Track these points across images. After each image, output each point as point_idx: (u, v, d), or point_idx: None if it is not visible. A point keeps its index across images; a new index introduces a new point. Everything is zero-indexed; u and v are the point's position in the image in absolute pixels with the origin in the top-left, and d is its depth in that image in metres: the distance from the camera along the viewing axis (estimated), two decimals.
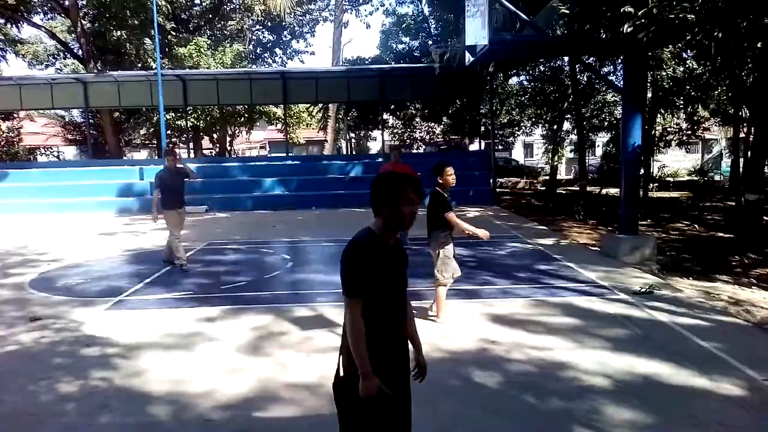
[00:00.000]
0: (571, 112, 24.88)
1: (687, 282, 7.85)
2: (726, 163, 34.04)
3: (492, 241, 10.43)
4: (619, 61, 16.95)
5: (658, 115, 21.38)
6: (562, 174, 37.63)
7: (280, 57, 35.62)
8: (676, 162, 35.17)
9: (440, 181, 5.63)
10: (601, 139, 33.14)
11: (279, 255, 9.96)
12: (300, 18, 34.16)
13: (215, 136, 34.28)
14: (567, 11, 9.47)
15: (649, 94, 18.20)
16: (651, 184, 22.09)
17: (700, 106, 21.60)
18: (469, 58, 9.60)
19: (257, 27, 33.61)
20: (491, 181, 19.96)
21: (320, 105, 31.84)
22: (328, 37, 62.87)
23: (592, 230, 12.83)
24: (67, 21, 26.19)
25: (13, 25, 26.08)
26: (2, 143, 31.93)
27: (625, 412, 3.75)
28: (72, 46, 28.49)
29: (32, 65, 31.62)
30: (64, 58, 31.08)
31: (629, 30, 8.07)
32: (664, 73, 18.92)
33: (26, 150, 36.15)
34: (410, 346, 2.58)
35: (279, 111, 30.58)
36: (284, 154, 24.62)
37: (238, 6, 31.18)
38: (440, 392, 4.02)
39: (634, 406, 3.82)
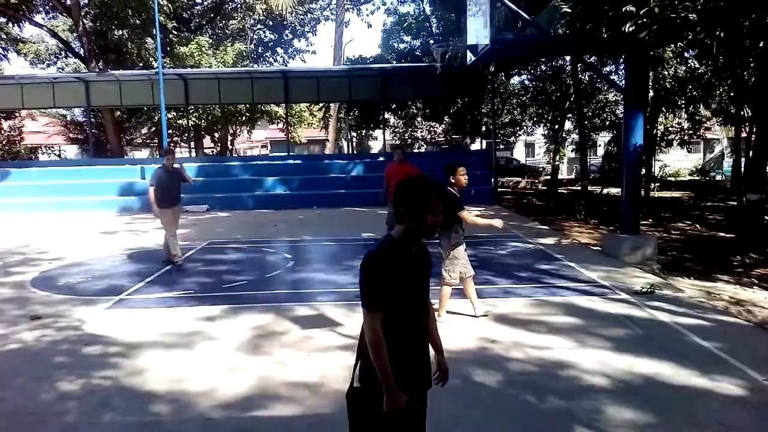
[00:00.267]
0: (573, 111, 24.90)
1: (688, 282, 7.85)
2: (727, 162, 34.00)
3: (493, 241, 10.45)
4: (621, 60, 16.94)
5: (660, 115, 21.35)
6: (563, 173, 37.63)
7: (281, 56, 35.64)
8: (677, 162, 35.15)
9: (452, 181, 5.60)
10: (603, 138, 33.13)
11: (280, 254, 9.95)
12: (301, 17, 34.14)
13: (216, 135, 34.28)
14: (569, 10, 9.44)
15: (651, 94, 18.17)
16: (652, 184, 22.07)
17: (701, 106, 21.57)
18: (470, 57, 9.60)
19: (259, 26, 33.59)
20: (492, 180, 19.94)
21: (322, 104, 31.84)
22: (330, 37, 62.99)
23: (593, 230, 12.82)
24: (69, 20, 26.21)
25: (15, 24, 26.12)
26: (4, 142, 31.99)
27: (626, 411, 3.74)
28: (74, 45, 28.52)
29: (34, 64, 31.65)
30: (66, 57, 31.09)
31: (631, 29, 8.05)
32: (665, 73, 18.89)
33: (28, 149, 36.24)
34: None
35: (280, 110, 30.57)
36: (285, 154, 24.62)
37: (239, 5, 31.18)
38: (440, 392, 4.00)
39: (634, 405, 3.81)
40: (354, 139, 43.97)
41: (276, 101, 26.95)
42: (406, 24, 28.63)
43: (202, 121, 27.73)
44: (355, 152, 40.61)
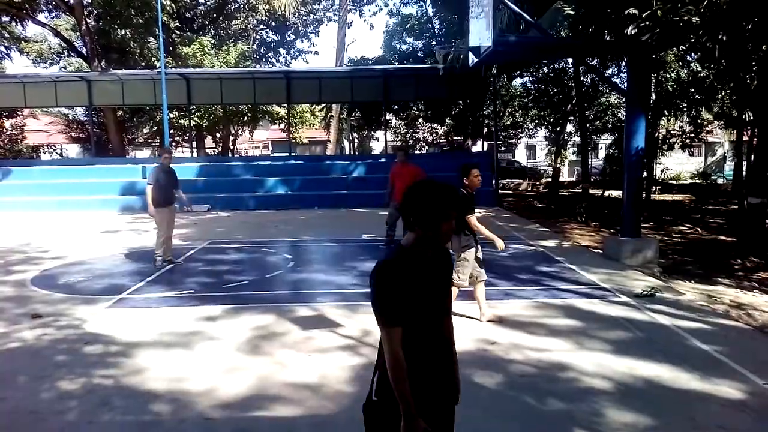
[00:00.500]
0: (575, 114, 24.89)
1: (689, 285, 7.84)
2: (729, 166, 33.99)
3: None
4: (623, 63, 16.94)
5: (662, 118, 21.34)
6: (564, 176, 37.63)
7: (283, 57, 35.68)
8: (679, 165, 35.14)
9: (466, 182, 5.59)
10: (604, 141, 33.09)
11: (281, 254, 9.96)
12: (304, 18, 34.19)
13: (218, 135, 34.32)
14: (571, 12, 9.43)
15: (653, 97, 18.16)
16: (654, 187, 22.05)
17: (703, 109, 21.55)
18: (473, 59, 9.57)
19: (261, 27, 33.63)
20: (494, 182, 19.93)
21: (323, 105, 31.84)
22: (332, 38, 62.98)
23: (594, 232, 12.82)
24: (72, 19, 26.24)
25: (18, 23, 26.16)
26: (6, 141, 32.03)
27: (626, 414, 3.74)
28: (76, 45, 28.55)
29: (36, 63, 31.70)
30: (69, 57, 31.13)
31: (633, 32, 8.04)
32: (668, 76, 18.88)
33: (30, 148, 36.30)
34: None
35: (282, 111, 30.62)
36: (287, 154, 24.65)
37: (242, 5, 31.23)
38: None
39: (634, 408, 3.81)
40: (355, 140, 44.00)
41: (278, 102, 26.97)
42: (408, 25, 28.64)
43: (204, 121, 27.78)
44: (356, 153, 40.62)
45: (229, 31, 31.81)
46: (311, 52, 44.84)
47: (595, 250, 10.14)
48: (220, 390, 4.18)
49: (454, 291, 5.70)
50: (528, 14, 9.54)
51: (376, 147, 44.84)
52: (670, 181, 30.63)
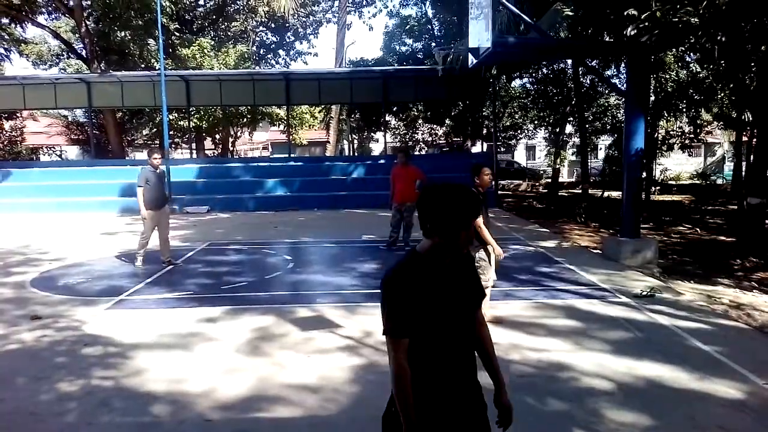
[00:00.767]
0: (574, 114, 24.90)
1: (688, 285, 7.84)
2: (728, 166, 34.02)
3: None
4: (623, 64, 16.94)
5: (661, 119, 21.36)
6: (564, 177, 37.61)
7: (283, 58, 35.74)
8: (678, 165, 35.14)
9: (477, 182, 5.57)
10: (604, 142, 33.11)
11: (280, 256, 9.96)
12: (303, 19, 34.22)
13: (218, 136, 34.30)
14: (571, 14, 9.44)
15: (652, 98, 18.17)
16: (653, 188, 22.07)
17: (703, 110, 21.56)
18: (472, 60, 9.58)
19: (261, 28, 33.65)
20: (493, 183, 19.94)
21: (323, 106, 31.84)
22: (332, 39, 62.97)
23: (593, 233, 12.82)
24: (72, 21, 26.24)
25: (18, 25, 26.11)
26: (5, 142, 32.01)
27: (626, 414, 3.74)
28: (76, 47, 28.53)
29: (36, 65, 31.69)
30: (68, 58, 31.11)
31: (633, 33, 8.05)
32: (667, 77, 18.90)
33: (29, 149, 36.24)
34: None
35: (282, 112, 30.62)
36: (286, 155, 24.66)
37: (241, 7, 31.25)
38: None
39: (634, 408, 3.81)
40: (355, 141, 44.01)
41: (277, 103, 26.97)
42: (408, 27, 28.66)
43: (204, 122, 27.77)
44: (356, 154, 40.62)
45: (229, 33, 31.82)
46: (311, 53, 44.71)
47: (595, 251, 10.14)
48: (219, 391, 4.17)
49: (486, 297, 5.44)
50: (527, 15, 9.55)
51: (376, 148, 44.86)
52: (670, 182, 30.65)
